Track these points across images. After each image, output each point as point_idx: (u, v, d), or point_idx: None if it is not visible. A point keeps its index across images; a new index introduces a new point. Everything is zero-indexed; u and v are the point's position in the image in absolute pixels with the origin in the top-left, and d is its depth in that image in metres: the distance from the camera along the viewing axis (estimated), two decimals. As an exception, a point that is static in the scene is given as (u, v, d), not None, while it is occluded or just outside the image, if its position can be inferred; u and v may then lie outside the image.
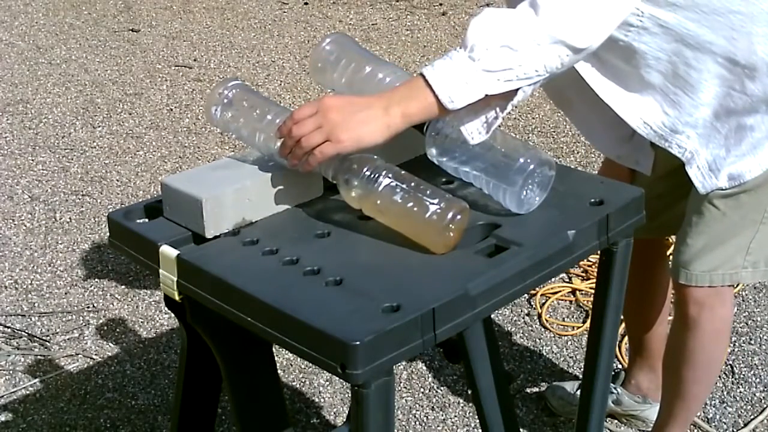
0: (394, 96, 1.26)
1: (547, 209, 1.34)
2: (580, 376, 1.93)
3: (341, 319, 1.08)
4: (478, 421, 1.50)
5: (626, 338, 2.28)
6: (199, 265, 1.22)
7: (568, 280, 2.78)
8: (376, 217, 1.28)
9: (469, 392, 2.17)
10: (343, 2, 5.79)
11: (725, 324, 1.82)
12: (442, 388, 2.33)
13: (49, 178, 3.55)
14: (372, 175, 1.24)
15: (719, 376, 2.31)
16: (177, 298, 1.27)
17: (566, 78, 1.38)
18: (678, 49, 1.48)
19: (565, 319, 2.62)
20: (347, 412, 2.21)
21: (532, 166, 1.30)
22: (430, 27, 5.30)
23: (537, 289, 2.69)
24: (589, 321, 2.17)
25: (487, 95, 1.25)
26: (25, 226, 3.18)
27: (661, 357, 1.94)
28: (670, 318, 2.04)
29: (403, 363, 2.39)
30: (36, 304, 2.72)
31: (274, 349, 1.50)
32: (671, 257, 1.82)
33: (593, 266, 2.78)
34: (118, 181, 3.51)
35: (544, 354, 2.46)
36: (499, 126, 1.30)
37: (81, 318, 2.65)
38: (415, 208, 1.22)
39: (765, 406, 2.24)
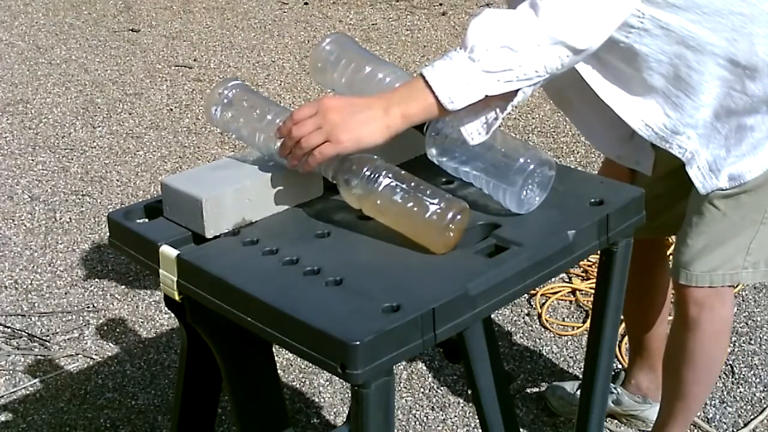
0: (394, 97, 1.26)
1: (547, 209, 1.34)
2: (580, 376, 1.93)
3: (341, 319, 1.08)
4: (478, 421, 1.50)
5: (626, 338, 2.28)
6: (199, 265, 1.22)
7: (568, 280, 2.78)
8: (376, 217, 1.28)
9: (469, 392, 2.17)
10: (343, 2, 5.79)
11: (725, 324, 1.82)
12: (442, 388, 2.33)
13: (49, 178, 3.55)
14: (372, 175, 1.24)
15: (719, 376, 2.31)
16: (177, 298, 1.27)
17: (566, 78, 1.38)
18: (679, 51, 1.48)
19: (565, 319, 2.62)
20: (347, 412, 2.21)
21: (532, 166, 1.30)
22: (430, 27, 5.30)
23: (537, 289, 2.69)
24: (589, 321, 2.17)
25: (487, 96, 1.25)
26: (25, 226, 3.18)
27: (661, 357, 1.94)
28: (670, 318, 2.04)
29: (403, 363, 2.39)
30: (36, 304, 2.72)
31: (274, 349, 1.50)
32: (671, 257, 1.83)
33: (593, 266, 2.78)
34: (118, 181, 3.51)
35: (544, 354, 2.46)
36: (499, 126, 1.30)
37: (81, 318, 2.65)
38: (415, 208, 1.22)
39: (765, 406, 2.24)
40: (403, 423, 2.21)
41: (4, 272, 2.89)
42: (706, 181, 1.61)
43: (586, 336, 1.72)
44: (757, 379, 2.33)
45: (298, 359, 2.39)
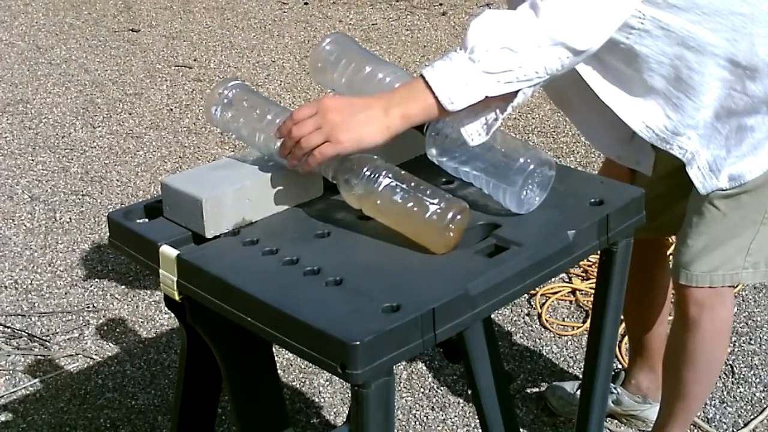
0: (394, 97, 1.26)
1: (547, 209, 1.34)
2: (580, 376, 1.93)
3: (341, 319, 1.08)
4: (478, 421, 1.50)
5: (626, 338, 2.28)
6: (199, 265, 1.22)
7: (568, 280, 2.78)
8: (376, 217, 1.28)
9: (469, 392, 2.17)
10: (343, 2, 5.79)
11: (725, 324, 1.82)
12: (442, 388, 2.33)
13: (49, 178, 3.55)
14: (372, 175, 1.24)
15: (719, 376, 2.31)
16: (177, 298, 1.27)
17: (567, 79, 1.38)
18: (680, 52, 1.48)
19: (565, 319, 2.62)
20: (347, 412, 2.21)
21: (532, 166, 1.30)
22: (430, 27, 5.30)
23: (537, 289, 2.69)
24: (589, 321, 2.17)
25: (487, 97, 1.25)
26: (25, 226, 3.18)
27: (661, 357, 1.94)
28: (670, 318, 2.04)
29: (403, 363, 2.39)
30: (36, 304, 2.72)
31: (274, 349, 1.50)
32: (671, 257, 1.83)
33: (593, 266, 2.78)
34: (118, 181, 3.51)
35: (544, 354, 2.46)
36: (499, 126, 1.30)
37: (81, 318, 2.65)
38: (415, 208, 1.22)
39: (765, 406, 2.24)
40: (403, 423, 2.21)
41: (4, 272, 2.89)
42: (706, 182, 1.61)
43: (586, 336, 1.72)
44: (757, 379, 2.33)
45: (298, 359, 2.39)
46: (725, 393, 2.29)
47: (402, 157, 1.44)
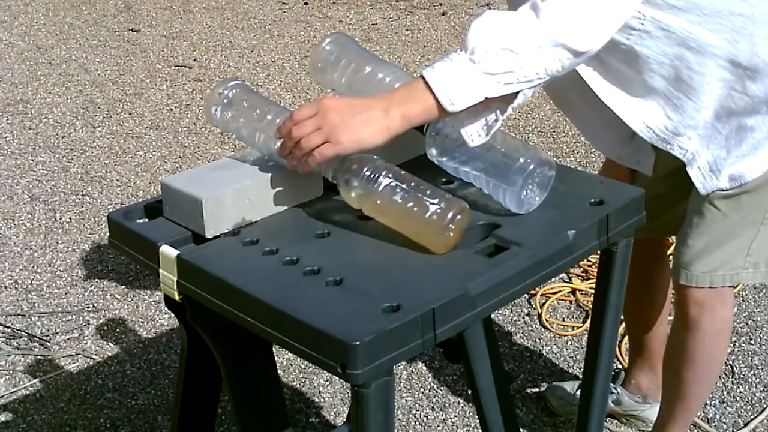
0: (394, 98, 1.26)
1: (547, 209, 1.34)
2: (580, 376, 1.93)
3: (341, 319, 1.08)
4: (478, 421, 1.50)
5: (626, 338, 2.28)
6: (199, 265, 1.22)
7: (568, 280, 2.78)
8: (376, 217, 1.28)
9: (469, 392, 2.17)
10: (343, 2, 5.79)
11: (725, 324, 1.82)
12: (442, 388, 2.33)
13: (49, 178, 3.55)
14: (372, 175, 1.24)
15: (719, 376, 2.31)
16: (177, 298, 1.27)
17: (567, 79, 1.38)
18: (680, 53, 1.48)
19: (565, 319, 2.62)
20: (347, 412, 2.21)
21: (532, 166, 1.30)
22: (430, 27, 5.30)
23: (537, 289, 2.69)
24: (589, 321, 2.17)
25: (487, 98, 1.25)
26: (25, 226, 3.19)
27: (661, 357, 1.94)
28: (671, 318, 2.04)
29: (403, 363, 2.39)
30: (36, 304, 2.72)
31: (274, 349, 1.50)
32: (671, 257, 1.82)
33: (593, 266, 2.78)
34: (118, 181, 3.51)
35: (544, 354, 2.46)
36: (499, 126, 1.30)
37: (81, 318, 2.65)
38: (415, 208, 1.22)
39: (765, 406, 2.24)
40: (403, 423, 2.21)
41: (4, 272, 2.89)
42: (706, 182, 1.61)
43: (586, 336, 1.72)
44: (757, 379, 2.33)
45: (298, 359, 2.39)
46: (725, 393, 2.29)
47: (402, 157, 1.44)
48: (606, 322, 1.48)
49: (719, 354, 1.86)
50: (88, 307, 2.70)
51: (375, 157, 1.28)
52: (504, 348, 2.47)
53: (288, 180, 1.35)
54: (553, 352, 2.47)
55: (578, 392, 1.73)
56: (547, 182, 1.34)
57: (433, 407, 2.26)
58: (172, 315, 1.43)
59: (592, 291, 1.64)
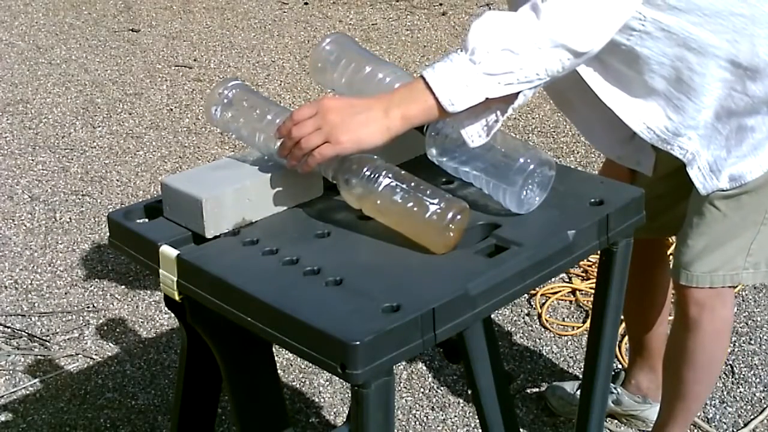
0: (394, 98, 1.26)
1: (547, 209, 1.34)
2: (580, 376, 1.93)
3: (341, 319, 1.08)
4: (478, 421, 1.50)
5: (626, 338, 2.28)
6: (199, 265, 1.22)
7: (568, 280, 2.78)
8: (376, 217, 1.28)
9: (469, 392, 2.17)
10: (343, 2, 5.79)
11: (726, 324, 1.82)
12: (442, 388, 2.33)
13: (49, 178, 3.55)
14: (372, 175, 1.24)
15: (719, 376, 2.31)
16: (177, 298, 1.27)
17: (567, 79, 1.38)
18: (681, 54, 1.48)
19: (565, 319, 2.62)
20: (347, 412, 2.21)
21: (532, 166, 1.30)
22: (430, 27, 5.30)
23: (537, 289, 2.69)
24: (589, 321, 2.17)
25: (487, 98, 1.24)
26: (25, 226, 3.18)
27: (661, 357, 1.94)
28: (671, 318, 2.04)
29: (403, 363, 2.39)
30: (36, 304, 2.72)
31: (274, 349, 1.50)
32: (672, 257, 1.82)
33: (593, 266, 2.78)
34: (118, 181, 3.51)
35: (544, 354, 2.46)
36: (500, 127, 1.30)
37: (81, 318, 2.65)
38: (415, 208, 1.22)
39: (765, 406, 2.24)
40: (403, 423, 2.21)
41: (4, 272, 2.89)
42: (706, 182, 1.61)
43: (586, 336, 1.72)
44: (757, 379, 2.33)
45: (298, 359, 2.39)
46: (725, 393, 2.29)
47: (402, 157, 1.44)
48: (606, 322, 1.48)
49: (719, 354, 1.86)
50: (88, 307, 2.70)
51: (375, 157, 1.28)
52: (504, 348, 2.47)
53: (288, 180, 1.35)
54: (553, 352, 2.47)
55: (578, 392, 1.73)
56: (547, 182, 1.34)
57: (433, 407, 2.26)
58: (172, 315, 1.43)
59: (592, 291, 1.64)
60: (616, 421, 2.19)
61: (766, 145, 1.59)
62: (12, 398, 2.33)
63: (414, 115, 1.26)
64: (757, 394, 2.28)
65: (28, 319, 2.65)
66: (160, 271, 1.28)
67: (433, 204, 1.21)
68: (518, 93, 1.27)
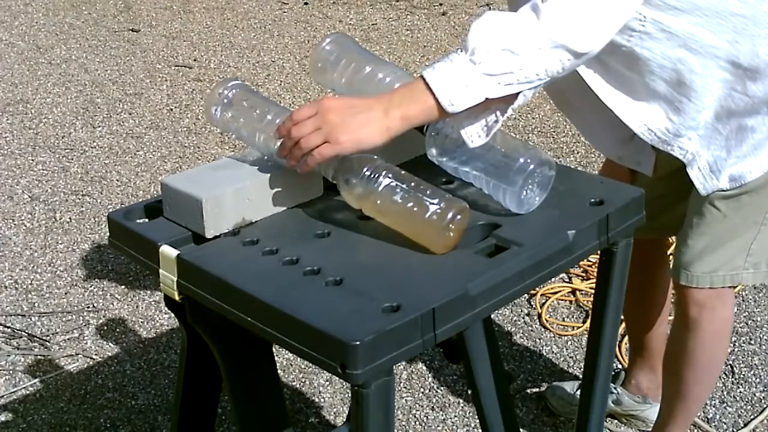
0: (393, 98, 1.26)
1: (547, 209, 1.34)
2: (580, 376, 1.93)
3: (341, 319, 1.08)
4: (478, 421, 1.50)
5: (626, 338, 2.28)
6: (199, 265, 1.22)
7: (568, 280, 2.78)
8: (376, 217, 1.28)
9: (469, 392, 2.17)
10: (343, 2, 5.79)
11: (726, 325, 1.82)
12: (442, 388, 2.33)
13: (49, 178, 3.55)
14: (372, 175, 1.24)
15: (719, 376, 2.31)
16: (177, 298, 1.27)
17: (567, 80, 1.38)
18: (681, 55, 1.47)
19: (565, 319, 2.62)
20: (347, 412, 2.21)
21: (532, 166, 1.30)
22: (430, 27, 5.30)
23: (537, 289, 2.69)
24: (589, 321, 2.17)
25: (487, 99, 1.24)
26: (25, 226, 3.18)
27: (661, 357, 1.94)
28: (671, 318, 2.04)
29: (403, 363, 2.39)
30: (36, 304, 2.72)
31: (274, 349, 1.50)
32: (672, 257, 1.82)
33: (593, 266, 2.78)
34: (118, 181, 3.51)
35: (544, 354, 2.46)
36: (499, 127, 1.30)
37: (81, 318, 2.65)
38: (415, 208, 1.22)
39: (765, 406, 2.24)
40: (403, 423, 2.21)
41: (4, 272, 2.89)
42: (706, 182, 1.61)
43: (586, 336, 1.72)
44: (757, 379, 2.33)
45: (298, 359, 2.39)
46: (725, 393, 2.29)
47: (402, 157, 1.44)
48: (606, 322, 1.48)
49: (719, 354, 1.86)
50: (88, 307, 2.70)
51: (375, 157, 1.28)
52: (504, 348, 2.47)
53: (288, 180, 1.35)
54: (553, 352, 2.47)
55: (578, 392, 1.73)
56: (547, 182, 1.34)
57: (433, 407, 2.26)
58: (172, 315, 1.43)
59: (592, 291, 1.64)
60: (616, 421, 2.19)
61: (766, 146, 1.59)
62: (12, 398, 2.33)
63: (414, 116, 1.26)
64: (757, 394, 2.28)
65: (28, 319, 2.65)
66: (160, 271, 1.28)
67: (433, 204, 1.21)
68: (518, 93, 1.27)
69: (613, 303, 1.47)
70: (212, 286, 1.20)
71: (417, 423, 2.21)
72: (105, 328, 2.61)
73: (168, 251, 1.26)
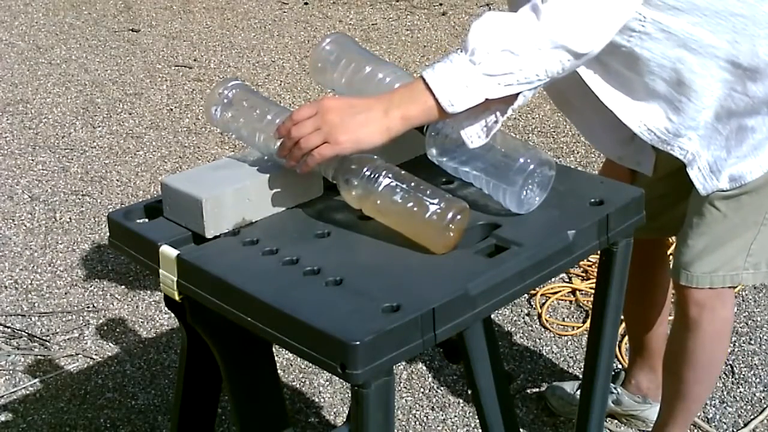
0: (393, 98, 1.26)
1: (547, 209, 1.34)
2: (580, 376, 1.93)
3: (341, 319, 1.08)
4: (478, 421, 1.50)
5: (626, 338, 2.28)
6: (199, 265, 1.22)
7: (568, 280, 2.78)
8: (376, 217, 1.28)
9: (469, 392, 2.17)
10: (343, 2, 5.79)
11: (726, 325, 1.82)
12: (442, 388, 2.33)
13: (49, 178, 3.55)
14: (372, 175, 1.24)
15: (719, 376, 2.31)
16: (177, 298, 1.27)
17: (567, 80, 1.38)
18: (681, 55, 1.47)
19: (565, 319, 2.62)
20: (347, 412, 2.21)
21: (532, 166, 1.30)
22: (430, 27, 5.30)
23: (537, 289, 2.69)
24: (589, 321, 2.17)
25: (487, 99, 1.24)
26: (25, 226, 3.19)
27: (661, 357, 1.94)
28: (671, 318, 2.04)
29: (403, 363, 2.39)
30: (36, 304, 2.72)
31: (274, 349, 1.50)
32: (672, 257, 1.82)
33: (593, 266, 2.78)
34: (118, 181, 3.51)
35: (544, 354, 2.46)
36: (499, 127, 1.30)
37: (81, 318, 2.65)
38: (415, 208, 1.22)
39: (765, 406, 2.24)
40: (403, 423, 2.21)
41: (4, 272, 2.89)
42: (706, 182, 1.61)
43: (586, 336, 1.72)
44: (757, 379, 2.33)
45: (298, 359, 2.39)
46: (725, 393, 2.29)
47: (402, 157, 1.44)
48: (606, 322, 1.48)
49: (719, 354, 1.86)
50: (88, 307, 2.70)
51: (375, 157, 1.28)
52: (504, 348, 2.47)
53: (288, 180, 1.35)
54: (553, 352, 2.47)
55: (578, 392, 1.73)
56: (547, 182, 1.34)
57: (433, 407, 2.26)
58: (172, 315, 1.43)
59: (592, 291, 1.64)
60: (616, 421, 2.19)
61: (766, 146, 1.58)
62: (12, 398, 2.33)
63: (414, 116, 1.26)
64: (757, 394, 2.28)
65: (28, 319, 2.65)
66: (160, 271, 1.28)
67: (433, 204, 1.21)
68: (518, 94, 1.27)
69: (613, 303, 1.47)
70: (212, 286, 1.20)
71: (417, 423, 2.21)
72: (105, 328, 2.61)
73: (168, 251, 1.26)
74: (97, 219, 3.21)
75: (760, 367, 2.38)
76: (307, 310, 1.10)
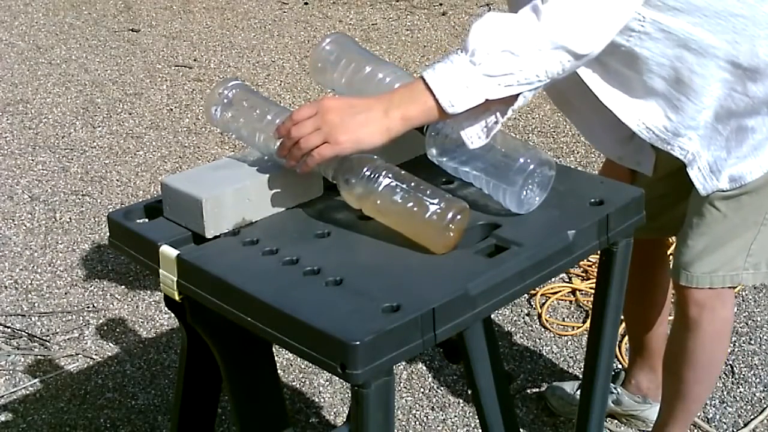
0: (393, 98, 1.26)
1: (547, 209, 1.34)
2: (580, 376, 1.93)
3: (341, 319, 1.08)
4: (478, 421, 1.50)
5: (626, 338, 2.28)
6: (199, 265, 1.22)
7: (568, 280, 2.78)
8: (376, 217, 1.28)
9: (469, 392, 2.17)
10: (343, 2, 5.79)
11: (726, 325, 1.82)
12: (442, 388, 2.33)
13: (49, 178, 3.55)
14: (372, 175, 1.24)
15: (719, 376, 2.31)
16: (177, 298, 1.27)
17: (567, 80, 1.38)
18: (681, 54, 1.47)
19: (565, 319, 2.62)
20: (347, 412, 2.21)
21: (532, 166, 1.30)
22: (430, 27, 5.30)
23: (537, 289, 2.69)
24: (589, 321, 2.17)
25: (487, 100, 1.24)
26: (25, 226, 3.19)
27: (661, 357, 1.94)
28: (671, 318, 2.04)
29: (403, 363, 2.39)
30: (36, 304, 2.72)
31: (274, 349, 1.50)
32: (672, 257, 1.82)
33: (593, 266, 2.78)
34: (118, 181, 3.51)
35: (544, 354, 2.46)
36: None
37: (81, 318, 2.65)
38: (415, 208, 1.22)
39: (765, 406, 2.24)
40: (403, 423, 2.21)
41: (4, 272, 2.89)
42: (706, 183, 1.61)
43: (586, 336, 1.72)
44: (757, 379, 2.33)
45: (298, 359, 2.39)
46: (725, 393, 2.29)
47: (402, 157, 1.44)
48: (606, 322, 1.48)
49: (719, 354, 1.86)
50: (88, 307, 2.70)
51: (375, 157, 1.28)
52: (504, 348, 2.47)
53: (288, 180, 1.35)
54: (553, 352, 2.47)
55: (578, 392, 1.73)
56: (547, 182, 1.34)
57: (433, 407, 2.26)
58: (172, 315, 1.43)
59: (592, 291, 1.64)
60: (616, 421, 2.19)
61: (766, 146, 1.58)
62: (12, 398, 2.33)
63: (414, 116, 1.26)
64: (757, 394, 2.28)
65: (28, 319, 2.65)
66: (160, 271, 1.28)
67: (433, 204, 1.21)
68: (518, 95, 1.26)
69: (613, 303, 1.47)
70: (212, 286, 1.20)
71: (417, 423, 2.21)
72: (105, 328, 2.61)
73: (168, 251, 1.26)
74: (97, 219, 3.21)
75: (760, 367, 2.38)
76: (307, 310, 1.10)
